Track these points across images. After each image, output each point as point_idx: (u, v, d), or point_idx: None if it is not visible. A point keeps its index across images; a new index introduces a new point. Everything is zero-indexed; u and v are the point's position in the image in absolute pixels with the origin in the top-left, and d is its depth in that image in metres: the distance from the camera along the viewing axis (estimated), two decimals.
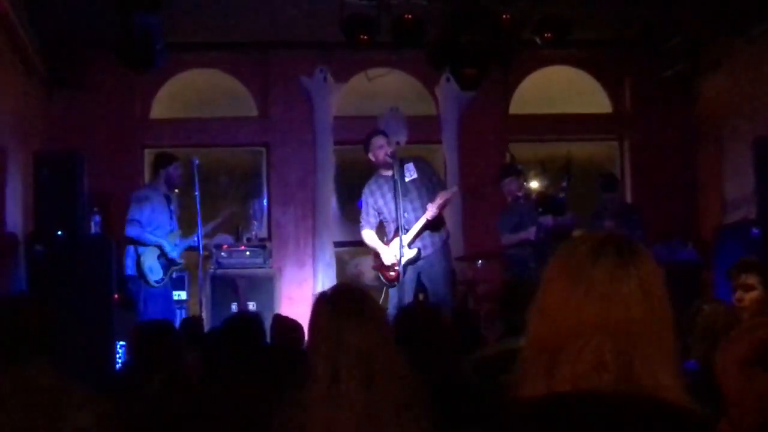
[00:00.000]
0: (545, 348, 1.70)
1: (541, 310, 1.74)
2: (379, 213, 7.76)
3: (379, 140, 7.70)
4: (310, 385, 2.54)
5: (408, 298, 7.39)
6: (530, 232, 8.11)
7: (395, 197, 7.47)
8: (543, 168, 8.37)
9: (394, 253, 7.53)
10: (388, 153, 7.61)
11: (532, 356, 1.73)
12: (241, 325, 4.16)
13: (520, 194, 8.41)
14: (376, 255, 7.74)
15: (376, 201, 7.74)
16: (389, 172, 7.61)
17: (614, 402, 1.64)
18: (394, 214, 7.57)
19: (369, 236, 7.80)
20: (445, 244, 7.79)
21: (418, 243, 7.54)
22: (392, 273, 7.61)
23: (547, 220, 8.00)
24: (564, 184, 8.23)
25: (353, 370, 2.49)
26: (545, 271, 1.77)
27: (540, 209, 7.98)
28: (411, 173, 7.68)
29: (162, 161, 8.42)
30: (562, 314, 1.70)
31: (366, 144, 7.74)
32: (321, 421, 2.48)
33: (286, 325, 5.50)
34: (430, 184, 7.73)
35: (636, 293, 1.68)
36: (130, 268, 8.15)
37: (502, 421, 1.72)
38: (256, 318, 4.30)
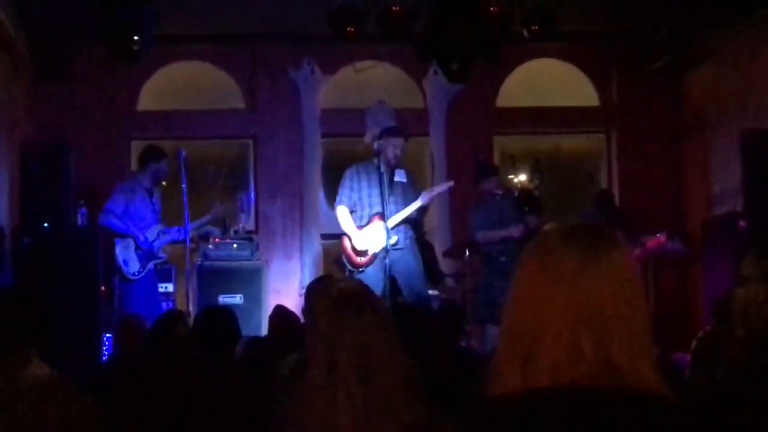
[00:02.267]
0: (520, 340, 1.68)
1: (514, 302, 1.73)
2: (355, 195, 7.75)
3: (400, 141, 7.68)
4: (308, 377, 2.54)
5: (377, 288, 7.24)
6: (514, 230, 7.94)
7: (380, 185, 7.49)
8: (513, 162, 8.28)
9: (374, 237, 7.52)
10: (397, 154, 7.63)
11: (508, 349, 1.71)
12: None
13: (498, 192, 8.35)
14: (348, 237, 7.72)
15: (360, 182, 7.74)
16: (377, 161, 7.65)
17: (593, 395, 1.62)
18: (373, 200, 7.60)
19: (344, 214, 7.77)
20: (413, 242, 7.80)
21: (396, 233, 7.56)
22: (362, 258, 7.60)
23: (532, 220, 7.90)
24: (536, 182, 8.16)
25: (351, 362, 2.50)
26: (518, 262, 1.76)
27: (525, 208, 7.89)
28: (401, 177, 7.77)
29: (152, 156, 8.30)
30: (534, 305, 1.68)
31: (394, 133, 7.67)
32: (319, 413, 2.48)
33: (285, 317, 5.50)
34: (413, 194, 7.76)
35: (606, 281, 1.67)
36: None
37: (478, 420, 1.69)
38: None
